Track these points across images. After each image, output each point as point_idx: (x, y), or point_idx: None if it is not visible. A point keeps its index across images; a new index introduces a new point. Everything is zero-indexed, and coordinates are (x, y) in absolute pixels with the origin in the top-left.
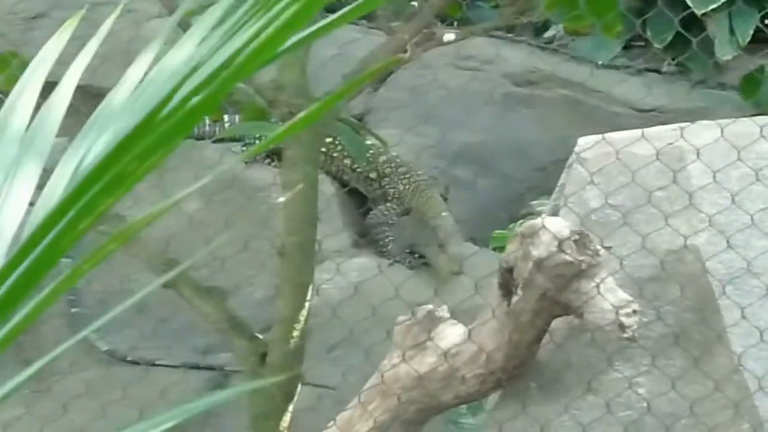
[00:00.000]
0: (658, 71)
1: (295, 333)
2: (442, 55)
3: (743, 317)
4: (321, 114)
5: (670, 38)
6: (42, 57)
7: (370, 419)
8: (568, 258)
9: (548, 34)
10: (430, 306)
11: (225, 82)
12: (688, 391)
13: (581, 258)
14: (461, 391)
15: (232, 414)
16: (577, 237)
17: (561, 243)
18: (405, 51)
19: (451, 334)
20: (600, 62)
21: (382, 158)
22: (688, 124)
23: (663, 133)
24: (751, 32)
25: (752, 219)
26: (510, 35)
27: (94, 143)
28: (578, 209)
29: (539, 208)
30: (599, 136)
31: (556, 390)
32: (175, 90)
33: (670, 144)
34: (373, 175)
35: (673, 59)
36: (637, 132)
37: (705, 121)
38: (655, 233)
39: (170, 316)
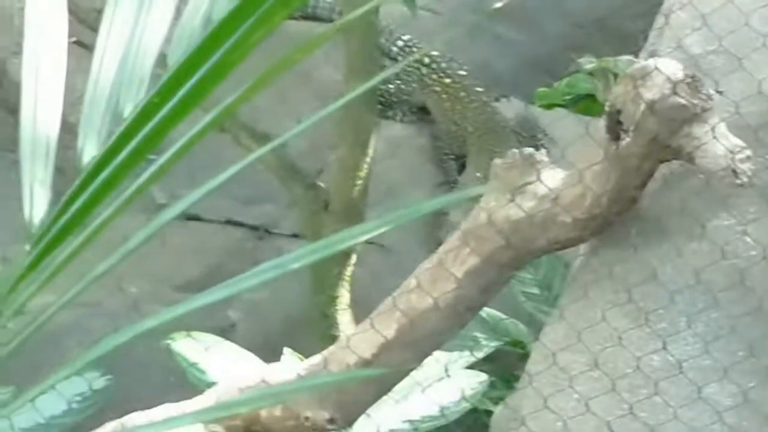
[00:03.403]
0: None
1: (358, 181)
2: None
3: None
4: None
5: None
6: None
7: (464, 263)
8: (682, 101)
9: None
10: (530, 149)
11: None
12: None
13: (695, 101)
14: (560, 236)
15: None
16: (690, 80)
17: (674, 85)
18: None
19: (552, 177)
20: None
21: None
22: None
23: None
24: None
25: None
26: None
27: None
28: (680, 55)
29: (586, 66)
30: None
31: (658, 236)
32: None
33: None
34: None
35: None
36: None
37: None
38: (763, 80)
39: (211, 164)
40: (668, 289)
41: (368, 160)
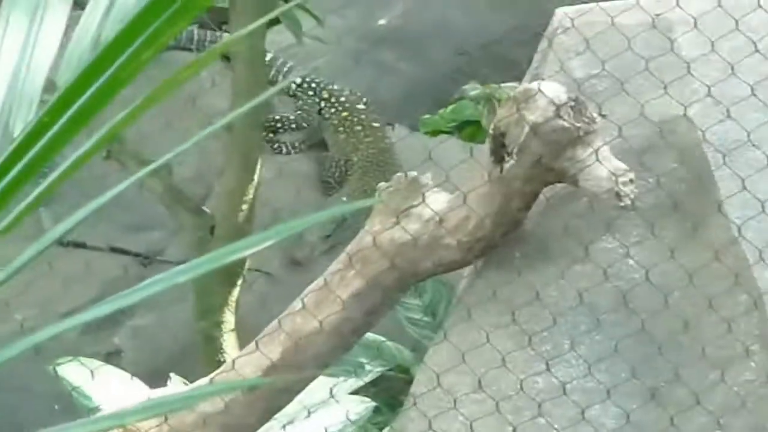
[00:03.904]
0: None
1: (244, 206)
2: None
3: (744, 188)
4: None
5: None
6: None
7: (349, 286)
8: (565, 124)
9: None
10: (414, 173)
11: None
12: (683, 262)
13: (578, 124)
14: (445, 258)
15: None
16: (573, 103)
17: (558, 108)
18: None
19: (436, 200)
20: None
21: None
22: None
23: (648, 4)
24: None
25: (752, 90)
26: None
27: None
28: (563, 79)
29: (470, 93)
30: (583, 6)
31: (543, 259)
32: None
33: (658, 15)
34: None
35: None
36: (623, 2)
37: None
38: (646, 104)
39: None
40: (552, 311)
41: (254, 185)
